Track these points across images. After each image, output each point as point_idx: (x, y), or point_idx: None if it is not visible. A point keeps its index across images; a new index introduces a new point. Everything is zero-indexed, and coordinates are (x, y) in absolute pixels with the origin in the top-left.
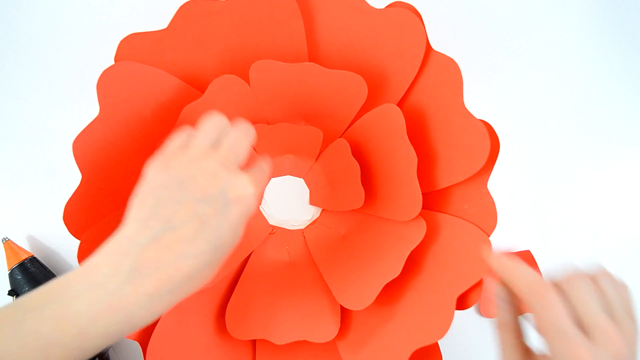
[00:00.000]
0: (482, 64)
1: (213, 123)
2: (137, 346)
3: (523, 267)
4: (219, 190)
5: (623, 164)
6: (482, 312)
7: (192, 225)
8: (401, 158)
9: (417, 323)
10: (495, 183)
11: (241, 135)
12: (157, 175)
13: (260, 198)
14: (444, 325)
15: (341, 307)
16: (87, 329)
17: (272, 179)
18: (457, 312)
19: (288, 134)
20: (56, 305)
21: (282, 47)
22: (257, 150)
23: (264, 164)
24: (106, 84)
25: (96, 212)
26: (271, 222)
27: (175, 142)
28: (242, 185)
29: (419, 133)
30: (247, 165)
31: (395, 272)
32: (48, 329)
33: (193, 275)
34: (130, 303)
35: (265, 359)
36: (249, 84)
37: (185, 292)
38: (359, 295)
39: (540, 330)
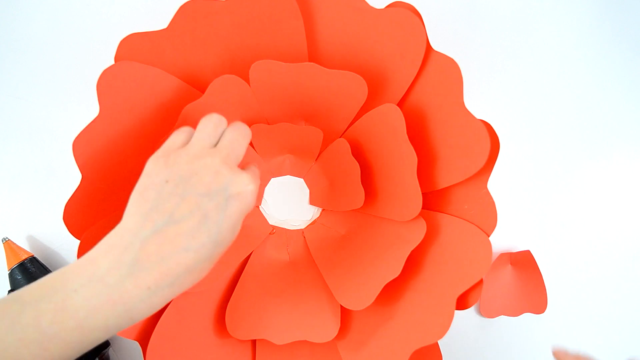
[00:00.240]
0: (482, 64)
1: (212, 122)
2: (137, 346)
3: None
4: (221, 186)
5: (623, 164)
6: (482, 312)
7: (194, 220)
8: (401, 158)
9: (417, 323)
10: (495, 183)
11: (239, 135)
12: (158, 171)
13: (259, 198)
14: (444, 325)
15: (341, 307)
16: (85, 322)
17: (272, 179)
18: (457, 312)
19: (288, 134)
20: (55, 299)
21: (282, 47)
22: (257, 150)
23: (255, 168)
24: (106, 84)
25: (96, 212)
26: (271, 222)
27: (175, 139)
28: (244, 182)
29: (419, 133)
30: (243, 164)
31: (395, 272)
32: (46, 322)
33: (193, 269)
34: (130, 296)
35: (265, 359)
36: (249, 84)
37: (184, 286)
38: (359, 295)
39: None
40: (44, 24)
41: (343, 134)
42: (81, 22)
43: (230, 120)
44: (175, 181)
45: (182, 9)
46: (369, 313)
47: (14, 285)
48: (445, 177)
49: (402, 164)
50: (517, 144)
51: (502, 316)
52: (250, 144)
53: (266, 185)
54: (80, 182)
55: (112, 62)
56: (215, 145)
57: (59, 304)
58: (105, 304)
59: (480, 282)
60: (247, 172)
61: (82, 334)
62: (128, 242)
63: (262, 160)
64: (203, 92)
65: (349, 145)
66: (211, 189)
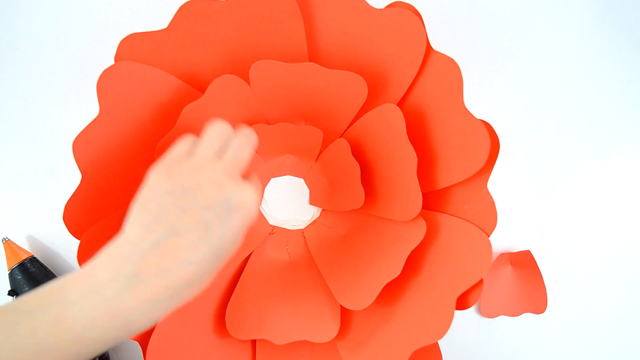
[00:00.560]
0: (482, 64)
1: (217, 131)
2: (137, 346)
3: None
4: (223, 198)
5: (623, 164)
6: (482, 312)
7: (196, 232)
8: (401, 158)
9: (417, 323)
10: (495, 183)
11: (244, 144)
12: (160, 182)
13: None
14: (444, 325)
15: (341, 307)
16: (83, 334)
17: (272, 179)
18: (457, 312)
19: (288, 134)
20: (53, 310)
21: (282, 47)
22: (257, 150)
23: (256, 178)
24: (106, 84)
25: (96, 212)
26: (271, 222)
27: (179, 149)
28: (247, 194)
29: (419, 133)
30: (245, 172)
31: (395, 272)
32: (43, 333)
33: (193, 281)
34: (129, 309)
35: (265, 359)
36: (249, 84)
37: (184, 298)
38: (359, 295)
39: None
40: (44, 24)
41: (343, 134)
42: (81, 22)
43: (231, 122)
44: (178, 193)
45: (182, 9)
46: (369, 313)
47: (14, 285)
48: (445, 177)
49: (402, 164)
50: (517, 144)
51: (502, 316)
52: None
53: (266, 185)
54: (80, 182)
55: (112, 62)
56: (220, 153)
57: (57, 316)
58: (104, 317)
59: (480, 282)
60: (249, 183)
61: (79, 346)
62: (128, 254)
63: (263, 161)
64: (203, 92)
65: (349, 145)
66: (213, 202)
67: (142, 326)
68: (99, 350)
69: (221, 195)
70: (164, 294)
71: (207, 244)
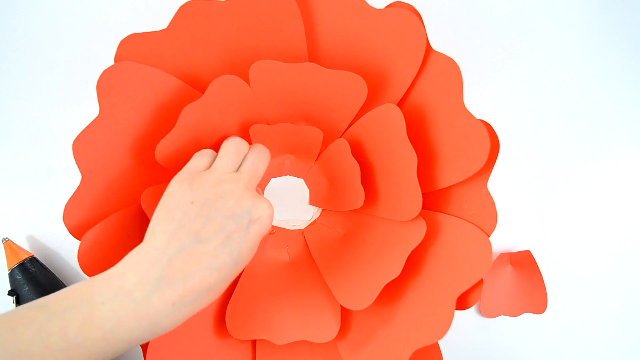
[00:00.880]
0: (482, 64)
1: (233, 146)
2: (137, 346)
3: None
4: (244, 210)
5: (623, 164)
6: (482, 312)
7: (218, 240)
8: (401, 158)
9: (417, 323)
10: (495, 183)
11: (259, 160)
12: (183, 192)
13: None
14: (444, 325)
15: (341, 307)
16: (110, 334)
17: (272, 179)
18: (457, 312)
19: (288, 134)
20: (82, 310)
21: (282, 47)
22: None
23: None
24: (106, 84)
25: (96, 212)
26: None
27: (198, 162)
28: (264, 207)
29: (419, 133)
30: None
31: (395, 272)
32: (73, 331)
33: (214, 287)
34: (155, 311)
35: (265, 359)
36: (249, 84)
37: (204, 303)
38: (359, 295)
39: None
40: (44, 24)
41: (343, 134)
42: (81, 23)
43: (230, 122)
44: (201, 203)
45: (182, 9)
46: (369, 313)
47: (14, 285)
48: (445, 177)
49: (402, 164)
50: (517, 144)
51: (502, 316)
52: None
53: (266, 185)
54: (80, 182)
55: (112, 62)
56: (237, 167)
57: (86, 315)
58: (131, 318)
59: (480, 282)
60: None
61: (107, 345)
62: (155, 259)
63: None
64: (203, 92)
65: (349, 145)
66: (235, 212)
67: (165, 328)
68: (123, 349)
69: (241, 207)
70: (188, 298)
71: (227, 252)
